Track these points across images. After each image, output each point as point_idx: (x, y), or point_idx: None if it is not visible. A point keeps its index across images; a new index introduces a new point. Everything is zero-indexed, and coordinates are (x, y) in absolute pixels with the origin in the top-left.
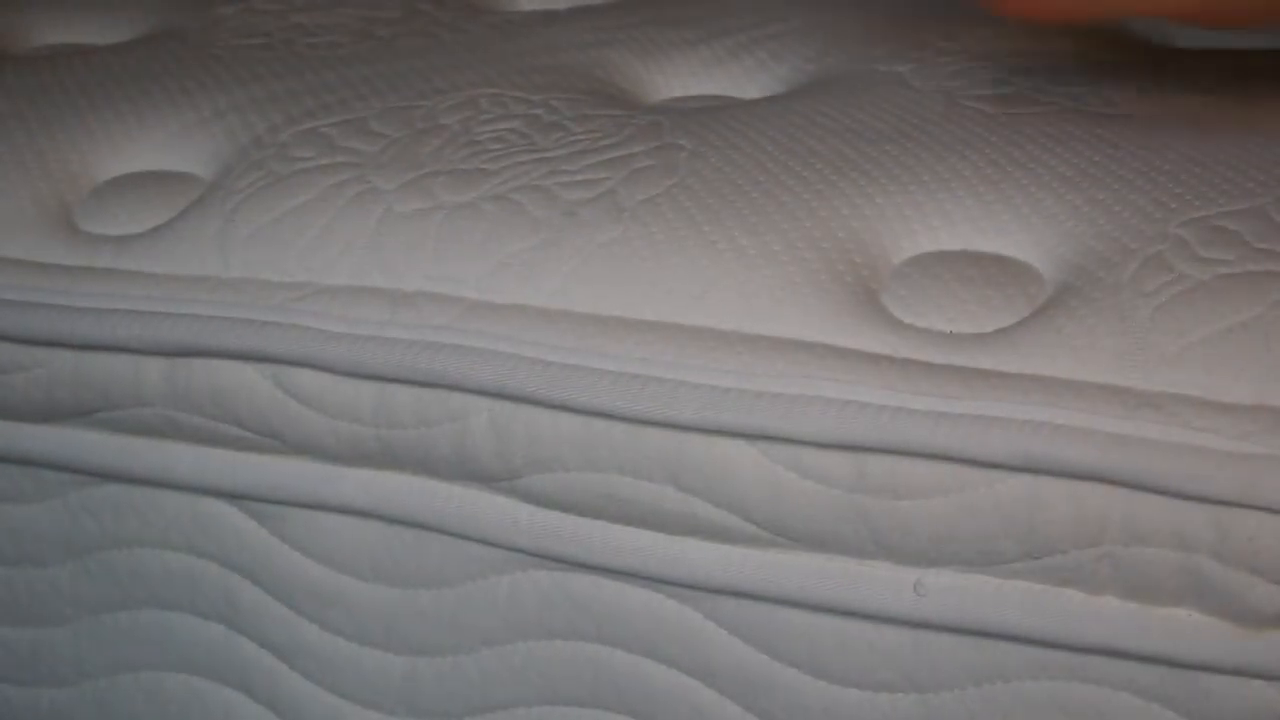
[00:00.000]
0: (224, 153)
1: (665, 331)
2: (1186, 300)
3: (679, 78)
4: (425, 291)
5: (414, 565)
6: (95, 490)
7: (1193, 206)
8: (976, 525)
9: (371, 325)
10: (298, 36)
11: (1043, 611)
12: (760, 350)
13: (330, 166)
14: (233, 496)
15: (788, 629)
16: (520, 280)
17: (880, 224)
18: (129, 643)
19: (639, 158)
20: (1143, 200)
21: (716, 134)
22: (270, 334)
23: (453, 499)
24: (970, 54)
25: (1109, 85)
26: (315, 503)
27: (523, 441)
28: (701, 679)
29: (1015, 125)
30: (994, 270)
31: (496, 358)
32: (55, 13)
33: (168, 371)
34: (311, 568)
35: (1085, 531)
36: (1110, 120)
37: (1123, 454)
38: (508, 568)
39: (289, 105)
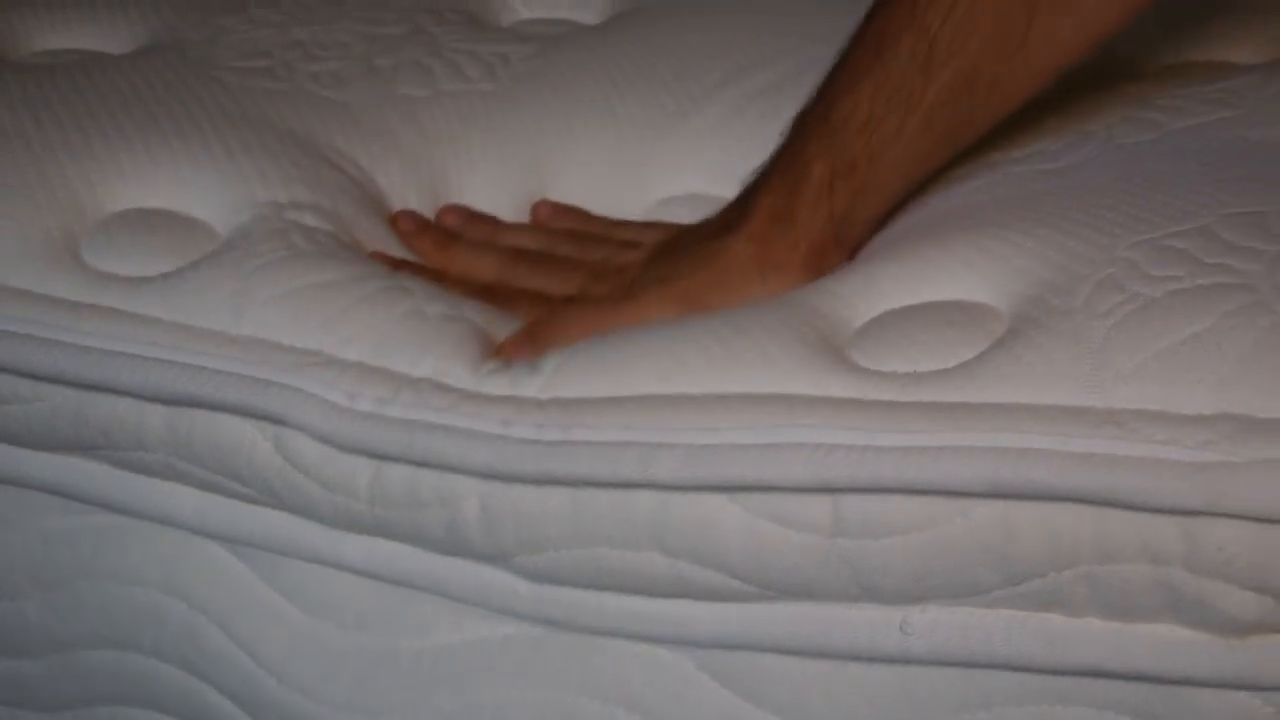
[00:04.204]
0: (239, 205)
1: (644, 403)
2: (1140, 317)
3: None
4: (429, 379)
5: (405, 616)
6: (79, 520)
7: (1138, 230)
8: (954, 557)
9: (371, 402)
10: (299, 62)
11: (1027, 638)
12: (733, 406)
13: (358, 257)
14: (233, 543)
15: (771, 674)
16: (514, 374)
17: (834, 299)
18: (97, 678)
19: None
20: (1087, 230)
21: None
22: (271, 394)
23: (454, 568)
24: None
25: (1049, 140)
26: (315, 559)
27: (511, 524)
28: None
29: (954, 192)
30: (952, 313)
31: (486, 439)
32: (55, 15)
33: (170, 419)
34: (289, 611)
35: (1060, 553)
36: (1050, 175)
37: (1088, 472)
38: (504, 621)
39: (307, 169)
